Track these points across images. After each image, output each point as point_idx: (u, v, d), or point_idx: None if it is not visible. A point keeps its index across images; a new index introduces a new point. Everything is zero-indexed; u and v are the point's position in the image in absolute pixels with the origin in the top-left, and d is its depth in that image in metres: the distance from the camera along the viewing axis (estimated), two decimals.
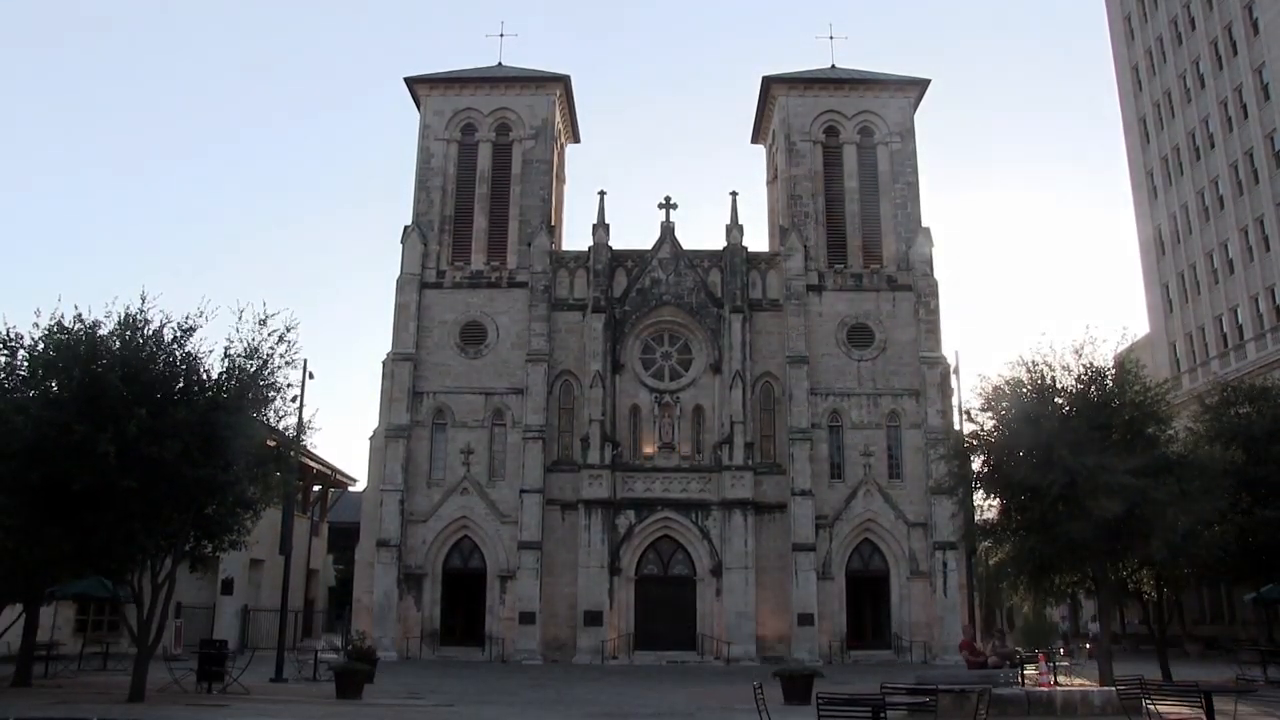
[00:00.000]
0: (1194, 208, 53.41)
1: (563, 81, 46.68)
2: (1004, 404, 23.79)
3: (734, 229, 43.71)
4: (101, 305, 21.73)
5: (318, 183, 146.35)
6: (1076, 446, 21.64)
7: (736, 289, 42.62)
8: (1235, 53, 49.56)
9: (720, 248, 43.72)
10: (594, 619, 38.91)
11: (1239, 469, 24.72)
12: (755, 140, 51.65)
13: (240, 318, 21.61)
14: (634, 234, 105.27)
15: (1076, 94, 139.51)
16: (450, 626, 40.50)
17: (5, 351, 21.01)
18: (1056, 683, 23.00)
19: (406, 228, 43.80)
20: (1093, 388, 23.53)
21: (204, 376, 21.32)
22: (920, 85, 46.38)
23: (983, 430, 24.71)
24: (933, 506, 39.19)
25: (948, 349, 41.76)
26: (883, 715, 13.66)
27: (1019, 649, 24.64)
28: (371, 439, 42.14)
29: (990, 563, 29.83)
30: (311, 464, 46.93)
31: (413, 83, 45.98)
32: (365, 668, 23.87)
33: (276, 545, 32.86)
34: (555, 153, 46.59)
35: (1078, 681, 24.53)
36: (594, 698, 24.69)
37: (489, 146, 45.40)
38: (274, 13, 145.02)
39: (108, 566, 22.49)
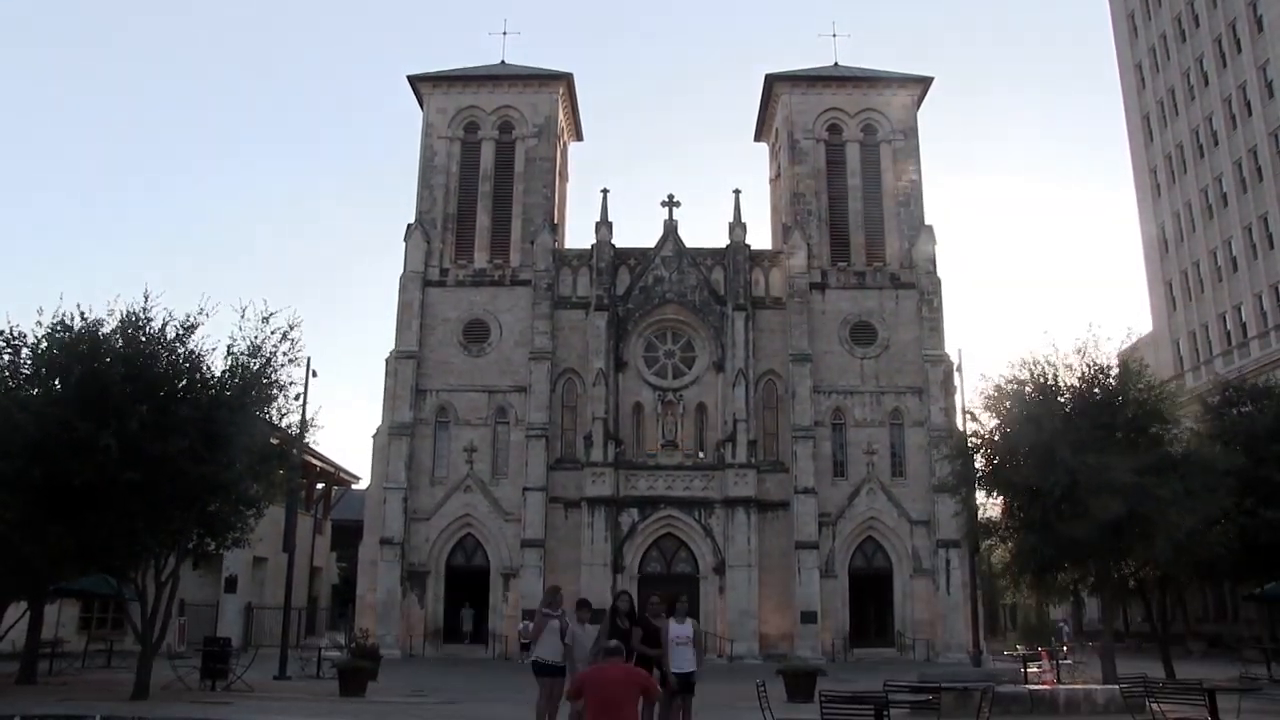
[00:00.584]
0: (1197, 205, 53.34)
1: (565, 79, 46.69)
2: (1007, 403, 23.76)
3: (737, 227, 43.71)
4: (104, 303, 21.67)
5: (321, 181, 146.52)
6: (1079, 445, 21.61)
7: (739, 287, 42.62)
8: (1239, 50, 49.48)
9: (723, 245, 43.73)
10: (597, 617, 38.85)
11: (1241, 468, 24.66)
12: (758, 138, 51.62)
13: (243, 315, 21.62)
14: (637, 232, 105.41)
15: (1079, 92, 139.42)
16: (453, 625, 40.53)
17: (8, 349, 21.02)
18: (1059, 681, 23.01)
19: (409, 225, 43.84)
20: (1095, 387, 23.50)
21: (207, 374, 21.30)
22: (923, 83, 46.34)
23: (985, 429, 24.70)
24: (936, 505, 39.16)
25: (951, 347, 41.78)
26: (886, 713, 13.64)
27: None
28: (375, 437, 42.21)
29: (993, 561, 29.81)
30: (315, 462, 46.97)
31: (416, 81, 46.00)
32: (369, 665, 23.85)
33: (280, 543, 32.86)
34: (558, 151, 46.60)
35: (1081, 680, 24.52)
36: None
37: (492, 144, 45.42)
38: (277, 12, 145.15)
39: (111, 564, 22.49)
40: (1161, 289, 57.10)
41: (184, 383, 20.95)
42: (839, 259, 43.73)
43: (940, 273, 43.14)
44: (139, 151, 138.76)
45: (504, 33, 51.40)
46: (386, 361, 42.23)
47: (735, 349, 41.65)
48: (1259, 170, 47.98)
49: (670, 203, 44.29)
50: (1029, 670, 24.74)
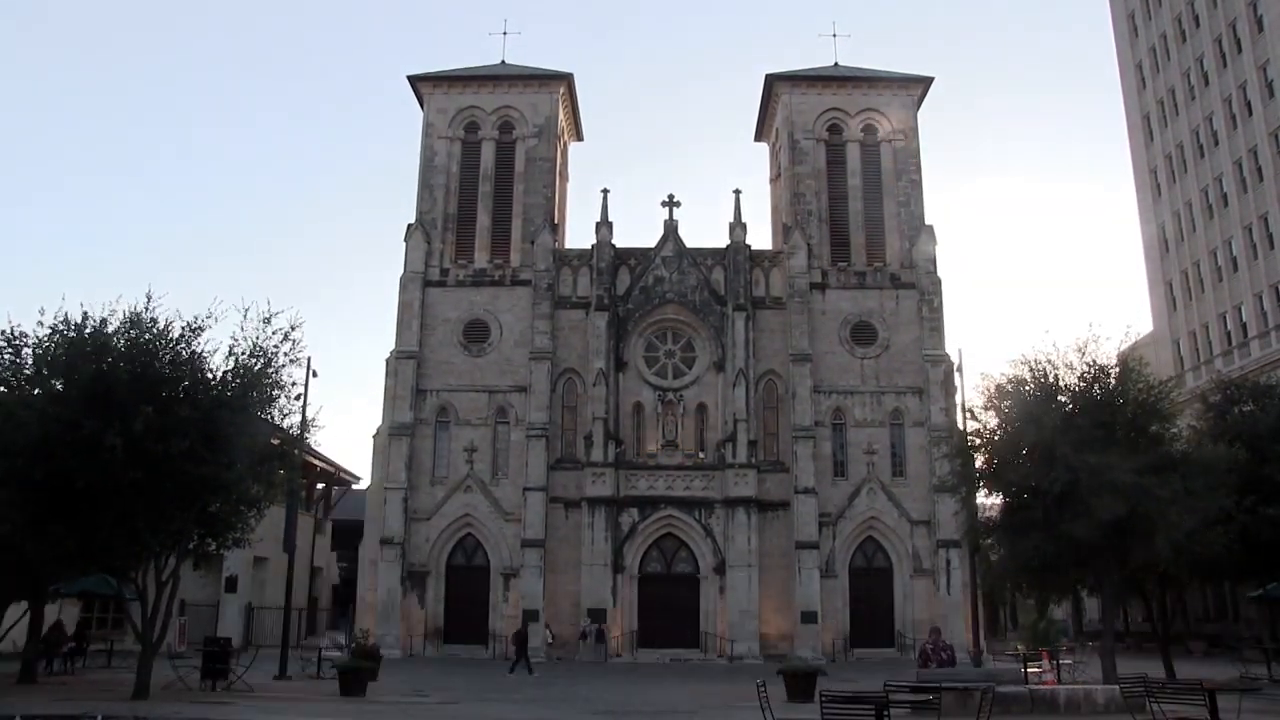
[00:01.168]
0: (1198, 205, 53.33)
1: (566, 79, 46.71)
2: (1007, 402, 23.76)
3: (737, 227, 43.75)
4: (106, 304, 21.66)
5: (321, 181, 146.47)
6: (1079, 445, 21.60)
7: (740, 287, 42.64)
8: (1239, 50, 49.47)
9: (723, 246, 43.77)
10: (598, 616, 38.96)
11: (1242, 467, 24.65)
12: (758, 138, 51.65)
13: (245, 316, 21.65)
14: (637, 232, 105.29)
15: (1080, 92, 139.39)
16: (453, 624, 40.52)
17: (10, 349, 21.05)
18: (1060, 681, 23.01)
19: (410, 226, 43.86)
20: (1096, 386, 23.48)
21: (209, 374, 21.35)
22: (923, 83, 46.36)
23: (985, 428, 24.69)
24: (936, 504, 39.20)
25: (951, 347, 41.85)
26: (886, 713, 13.64)
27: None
28: (375, 437, 42.24)
29: (993, 560, 29.79)
30: (315, 462, 46.97)
31: (416, 81, 46.03)
32: (369, 665, 23.87)
33: (280, 543, 32.84)
34: (558, 151, 46.63)
35: (1081, 680, 24.52)
36: (597, 695, 24.72)
37: (492, 145, 45.45)
38: (277, 12, 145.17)
39: (112, 564, 22.52)
40: (1162, 289, 57.08)
41: (186, 383, 20.98)
42: (839, 259, 43.75)
43: (940, 273, 43.29)
44: (139, 151, 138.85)
45: (504, 33, 51.31)
46: (387, 361, 42.25)
47: (735, 349, 41.67)
48: (1259, 170, 47.97)
49: (670, 203, 44.35)
50: (1029, 670, 24.73)
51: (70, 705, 19.26)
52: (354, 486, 55.29)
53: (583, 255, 43.99)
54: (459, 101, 45.90)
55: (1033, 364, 23.79)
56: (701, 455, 41.66)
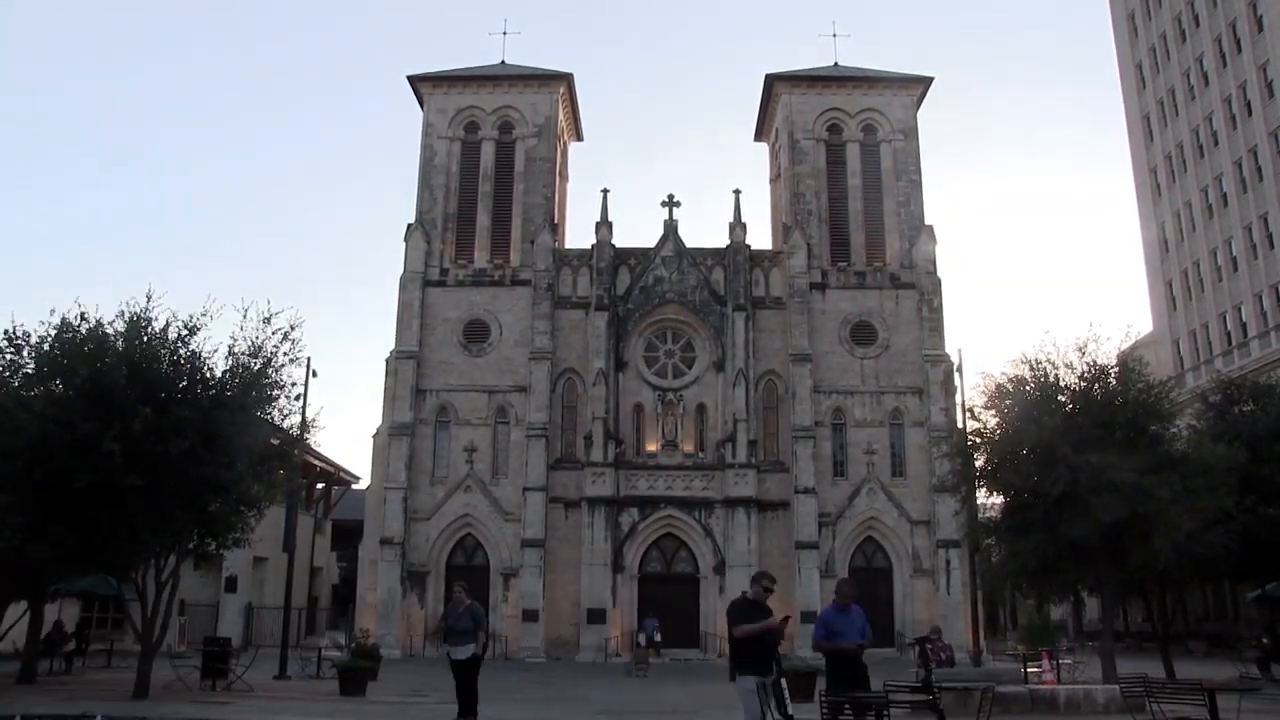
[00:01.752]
0: (1198, 205, 53.34)
1: (565, 79, 46.70)
2: (1007, 402, 23.75)
3: (737, 227, 43.76)
4: (106, 303, 21.72)
5: (321, 181, 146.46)
6: (1079, 445, 21.58)
7: (739, 287, 42.64)
8: (1239, 50, 49.49)
9: (723, 245, 43.78)
10: (597, 617, 38.97)
11: (1242, 467, 24.64)
12: (758, 138, 51.65)
13: (245, 316, 21.63)
14: (637, 232, 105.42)
15: (1080, 91, 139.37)
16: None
17: (11, 349, 21.04)
18: (1060, 681, 22.98)
19: (410, 226, 43.86)
20: (1096, 386, 23.47)
21: (208, 374, 21.32)
22: (923, 83, 46.37)
23: (985, 428, 24.68)
24: (936, 504, 39.22)
25: (951, 347, 41.85)
26: (886, 713, 13.63)
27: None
28: (375, 437, 42.26)
29: (993, 560, 29.79)
30: (315, 462, 46.98)
31: (416, 81, 46.03)
32: (369, 665, 23.85)
33: (280, 543, 32.84)
34: (558, 151, 46.63)
35: (1081, 680, 24.51)
36: (597, 695, 24.70)
37: (492, 144, 45.46)
38: (278, 11, 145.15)
39: (112, 564, 22.51)
40: (1161, 289, 57.09)
41: (185, 383, 20.96)
42: (839, 259, 43.75)
43: (940, 273, 43.30)
44: (139, 151, 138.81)
45: (504, 33, 51.55)
46: (386, 361, 42.25)
47: (735, 349, 41.67)
48: (1259, 170, 47.98)
49: (670, 203, 44.36)
50: (1029, 670, 24.72)
51: (70, 705, 19.23)
52: (354, 486, 55.30)
53: (583, 255, 43.99)
54: (459, 101, 45.89)
55: (1033, 364, 23.77)
56: (701, 455, 41.66)
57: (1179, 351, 55.02)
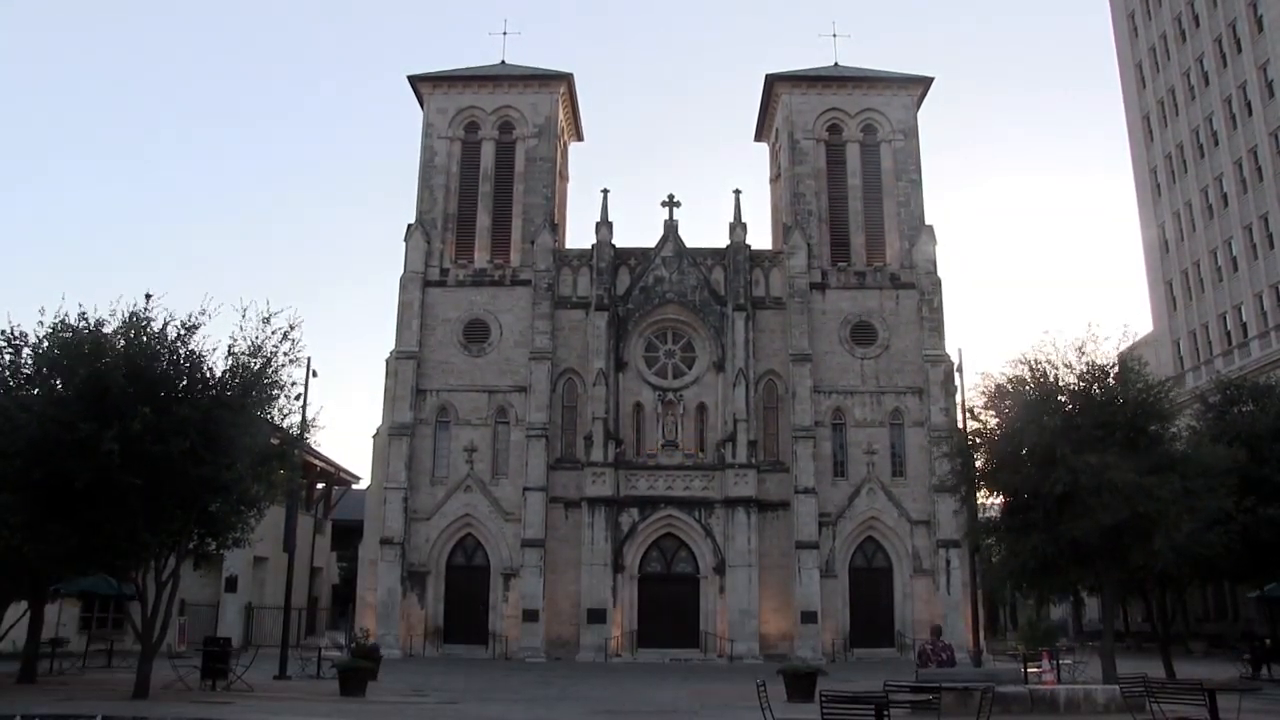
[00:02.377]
0: (1198, 205, 53.36)
1: (566, 79, 46.68)
2: (1007, 402, 23.76)
3: (737, 227, 43.74)
4: (106, 304, 21.69)
5: (321, 181, 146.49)
6: (1079, 445, 21.60)
7: (740, 287, 42.63)
8: (1239, 50, 49.50)
9: (723, 246, 43.76)
10: (597, 616, 38.95)
11: (1242, 467, 24.66)
12: (758, 138, 51.63)
13: (244, 315, 21.63)
14: (637, 232, 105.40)
15: (1080, 91, 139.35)
16: (453, 624, 40.50)
17: (10, 350, 21.04)
18: (1060, 681, 22.99)
19: (410, 226, 43.84)
20: (1096, 386, 23.48)
21: (208, 374, 21.32)
22: (923, 83, 46.34)
23: (985, 428, 24.69)
24: (936, 504, 39.21)
25: (951, 347, 41.76)
26: (886, 713, 13.64)
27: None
28: (375, 437, 42.23)
29: (993, 560, 29.81)
30: (315, 462, 46.99)
31: (416, 81, 46.00)
32: (369, 665, 23.87)
33: (280, 543, 32.87)
34: (558, 151, 46.60)
35: (1081, 680, 24.52)
36: (597, 695, 24.72)
37: (492, 144, 45.44)
38: (278, 12, 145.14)
39: (112, 564, 22.52)
40: (1162, 289, 57.11)
41: (185, 383, 20.96)
42: (839, 259, 43.74)
43: (940, 273, 43.21)
44: (138, 150, 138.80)
45: (504, 33, 51.19)
46: (387, 361, 42.24)
47: (735, 349, 41.65)
48: (1259, 170, 47.99)
49: (670, 203, 44.33)
50: (1029, 670, 24.73)
51: (70, 705, 19.26)
52: (354, 486, 55.32)
53: (583, 255, 43.97)
54: (459, 101, 45.87)
55: (1032, 364, 23.79)
56: (701, 455, 41.65)
57: (1179, 351, 55.03)
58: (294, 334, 22.03)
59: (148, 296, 21.14)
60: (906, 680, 19.21)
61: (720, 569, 39.88)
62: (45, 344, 20.59)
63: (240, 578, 40.90)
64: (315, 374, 26.91)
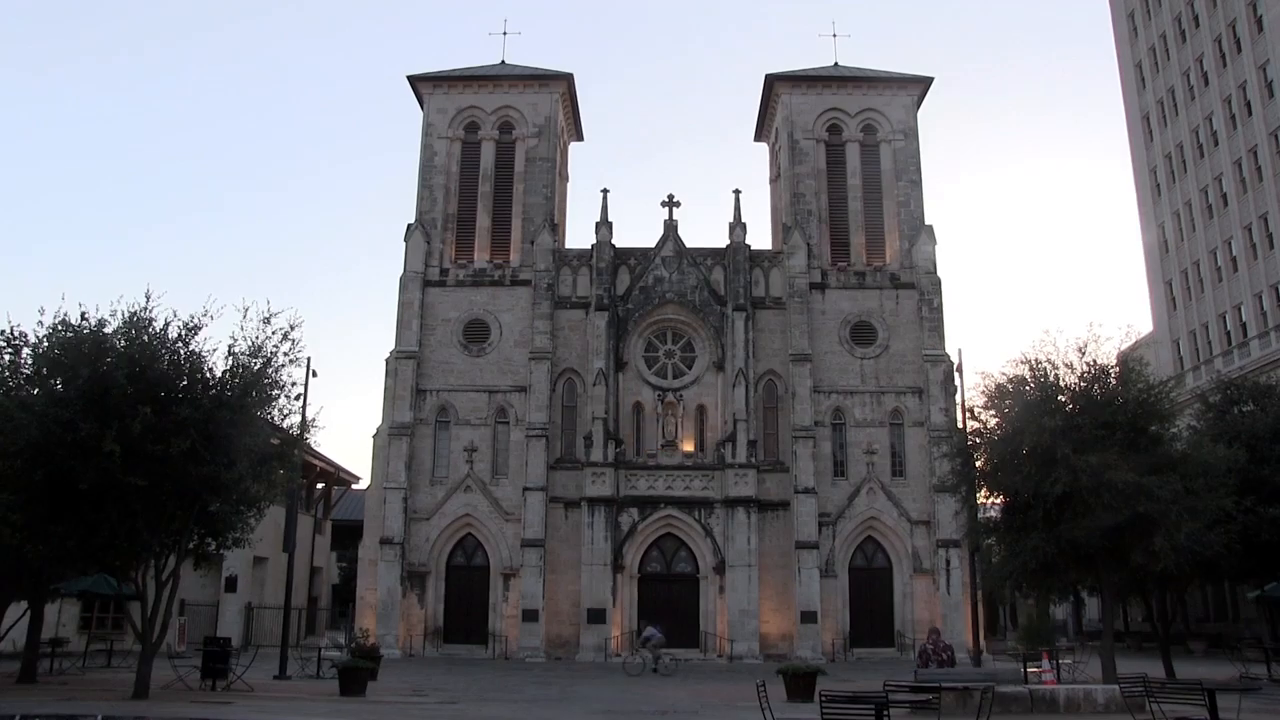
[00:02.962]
0: (1198, 205, 53.35)
1: (566, 79, 46.68)
2: (1007, 402, 23.74)
3: (737, 227, 43.73)
4: (106, 304, 21.71)
5: (321, 181, 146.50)
6: (1080, 445, 21.59)
7: (739, 287, 42.63)
8: (1239, 50, 49.50)
9: (723, 245, 43.77)
10: (597, 617, 38.95)
11: (1242, 468, 24.65)
12: (758, 138, 51.63)
13: (245, 315, 21.65)
14: (637, 232, 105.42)
15: (1080, 91, 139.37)
16: (453, 624, 40.49)
17: (9, 350, 21.04)
18: (1060, 681, 22.98)
19: (410, 226, 43.85)
20: (1096, 386, 23.46)
21: (208, 375, 21.33)
22: (923, 83, 46.35)
23: (985, 428, 24.67)
24: (936, 504, 39.21)
25: (951, 347, 41.77)
26: (886, 713, 13.64)
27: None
28: (375, 437, 42.22)
29: (993, 560, 29.77)
30: (315, 462, 47.02)
31: (416, 81, 46.00)
32: (369, 665, 23.88)
33: (280, 543, 32.89)
34: (558, 151, 46.60)
35: (1081, 680, 24.52)
36: (597, 695, 24.72)
37: (492, 144, 45.44)
38: (278, 12, 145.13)
39: (112, 564, 22.53)
40: (1161, 289, 57.11)
41: (185, 383, 20.96)
42: (839, 259, 43.74)
43: (940, 273, 43.19)
44: (139, 150, 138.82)
45: (504, 33, 51.05)
46: (387, 361, 42.25)
47: (735, 349, 41.65)
48: (1259, 170, 47.99)
49: (670, 203, 44.34)
50: (1029, 670, 24.73)
51: (70, 705, 19.27)
52: (354, 486, 55.38)
53: (583, 255, 43.97)
54: (459, 101, 45.87)
55: (1033, 364, 23.78)
56: (701, 455, 41.64)
57: (1179, 351, 55.03)
58: (294, 334, 22.07)
59: (148, 296, 21.16)
60: (906, 680, 19.22)
61: (720, 569, 39.88)
62: (45, 344, 20.59)
63: (240, 578, 40.93)
64: (315, 374, 26.98)
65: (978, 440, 24.87)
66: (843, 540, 40.42)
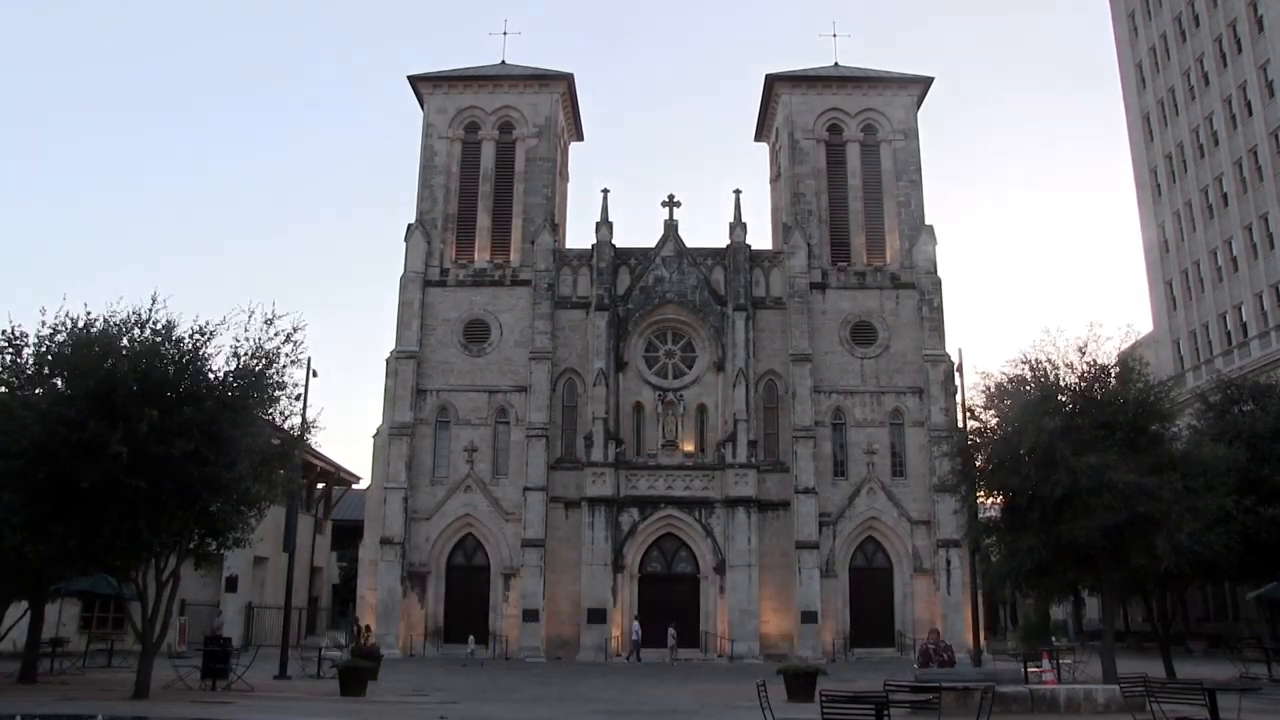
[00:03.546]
0: (1198, 205, 53.32)
1: (566, 79, 46.71)
2: (1007, 402, 23.74)
3: (737, 227, 43.76)
4: (105, 304, 21.73)
5: (322, 181, 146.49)
6: (1080, 445, 21.58)
7: (740, 287, 42.64)
8: (1239, 50, 49.47)
9: (723, 246, 43.79)
10: (597, 616, 38.97)
11: (1242, 467, 24.64)
12: (759, 138, 51.65)
13: (250, 318, 21.66)
14: (637, 232, 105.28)
15: (1080, 91, 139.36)
16: (454, 624, 40.50)
17: (10, 349, 21.04)
18: (1060, 681, 22.97)
19: (410, 226, 43.87)
20: (1096, 386, 23.46)
21: (212, 376, 21.35)
22: (923, 83, 46.37)
23: (985, 428, 24.66)
24: (936, 504, 39.23)
25: (951, 347, 41.84)
26: (886, 713, 13.64)
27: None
28: (375, 437, 42.26)
29: (993, 560, 29.78)
30: (315, 462, 47.00)
31: (416, 81, 46.03)
32: (369, 665, 23.88)
33: (280, 543, 32.88)
34: (558, 151, 46.63)
35: (1081, 680, 24.51)
36: (597, 695, 24.71)
37: (492, 145, 45.47)
38: (278, 12, 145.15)
39: (113, 564, 22.52)
40: (1162, 289, 57.07)
41: (188, 384, 20.96)
42: (839, 259, 43.75)
43: (940, 273, 43.26)
44: (139, 150, 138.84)
45: (504, 33, 51.05)
46: (387, 361, 42.26)
47: (735, 349, 41.66)
48: (1259, 170, 47.96)
49: (670, 203, 44.37)
50: (1029, 670, 24.72)
51: (71, 705, 19.27)
52: (354, 486, 55.35)
53: (583, 255, 43.99)
54: (459, 101, 45.90)
55: (1033, 364, 23.78)
56: (701, 455, 41.66)
57: (1179, 351, 54.99)
58: (296, 336, 22.08)
59: (153, 297, 21.19)
60: (906, 680, 19.23)
61: (720, 569, 39.90)
62: (46, 344, 20.59)
63: (240, 578, 40.91)
64: (315, 374, 26.94)
65: (978, 440, 24.86)
66: (843, 540, 40.44)
